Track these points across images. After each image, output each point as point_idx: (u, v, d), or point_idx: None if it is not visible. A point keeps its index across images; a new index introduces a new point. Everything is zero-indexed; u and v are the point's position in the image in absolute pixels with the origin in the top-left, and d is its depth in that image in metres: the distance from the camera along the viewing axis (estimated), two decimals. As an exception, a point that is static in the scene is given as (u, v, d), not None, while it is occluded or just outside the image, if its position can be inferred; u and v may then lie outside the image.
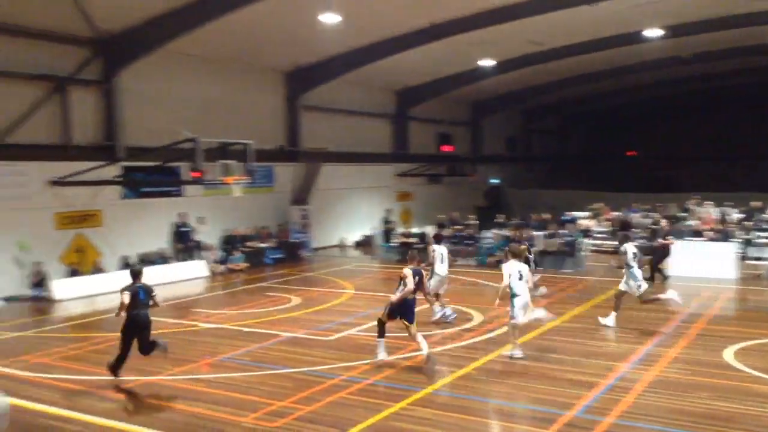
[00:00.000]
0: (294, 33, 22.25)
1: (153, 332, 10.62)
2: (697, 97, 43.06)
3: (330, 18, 18.84)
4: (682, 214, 24.34)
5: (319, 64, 26.08)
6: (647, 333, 12.59)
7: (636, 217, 24.73)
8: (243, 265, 22.76)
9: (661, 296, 13.62)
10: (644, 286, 13.04)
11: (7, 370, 11.21)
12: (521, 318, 11.10)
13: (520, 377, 10.19)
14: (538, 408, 8.82)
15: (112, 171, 19.70)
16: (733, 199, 25.46)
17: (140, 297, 10.38)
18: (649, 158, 48.68)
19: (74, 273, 18.92)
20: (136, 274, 10.72)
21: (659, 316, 14.01)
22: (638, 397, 9.10)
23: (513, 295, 11.06)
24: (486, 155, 39.40)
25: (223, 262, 22.62)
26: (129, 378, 10.49)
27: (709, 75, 35.91)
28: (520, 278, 11.07)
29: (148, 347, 10.38)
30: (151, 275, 19.61)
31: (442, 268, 14.10)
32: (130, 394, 9.77)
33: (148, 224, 21.41)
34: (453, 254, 22.95)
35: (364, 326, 13.69)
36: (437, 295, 13.89)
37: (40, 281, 18.10)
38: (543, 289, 16.67)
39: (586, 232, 24.25)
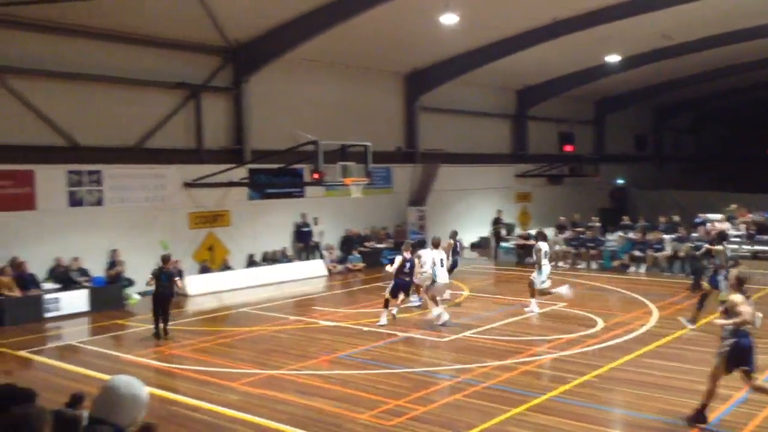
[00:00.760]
0: (413, 35, 22.40)
1: (276, 327, 11.16)
2: None
3: (449, 19, 18.81)
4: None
5: (438, 65, 26.11)
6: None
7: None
8: (360, 265, 23.18)
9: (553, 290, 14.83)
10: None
11: (144, 360, 12.04)
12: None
13: (645, 386, 9.73)
14: (664, 419, 8.39)
15: (240, 173, 20.66)
16: None
17: (162, 279, 13.57)
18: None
19: (204, 270, 20.00)
20: (164, 261, 13.87)
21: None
22: (777, 413, 8.47)
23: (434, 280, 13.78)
24: (610, 154, 37.94)
25: (341, 261, 23.15)
26: (253, 371, 10.97)
27: None
28: (442, 265, 13.96)
29: (166, 318, 13.62)
30: (273, 273, 20.70)
31: (442, 273, 14.15)
32: (253, 386, 10.20)
33: (272, 224, 22.28)
34: (574, 257, 22.52)
35: (480, 329, 13.58)
36: (434, 299, 14.15)
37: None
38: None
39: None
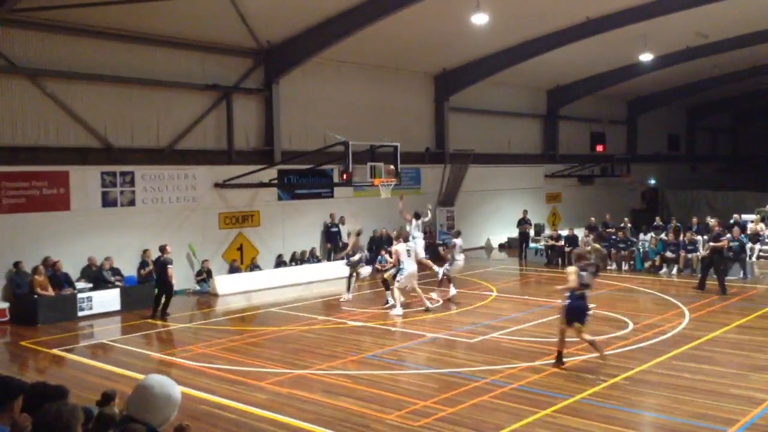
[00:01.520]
0: (443, 36, 22.36)
1: (304, 327, 11.29)
2: None
3: (479, 19, 18.72)
4: None
5: (468, 65, 26.03)
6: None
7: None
8: (389, 265, 23.10)
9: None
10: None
11: (174, 359, 12.20)
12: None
13: (676, 389, 9.57)
14: (696, 423, 8.25)
15: (270, 174, 20.81)
16: None
17: (158, 266, 16.15)
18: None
19: (233, 270, 20.18)
20: (161, 250, 16.03)
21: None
22: (813, 418, 8.28)
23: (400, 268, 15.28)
24: (642, 155, 37.42)
25: (369, 262, 23.12)
26: (281, 371, 11.04)
27: None
28: (409, 256, 15.47)
29: (166, 303, 15.92)
30: (301, 273, 20.81)
31: (409, 263, 15.61)
32: (281, 386, 10.27)
33: (301, 224, 22.41)
34: (604, 258, 22.23)
35: (508, 329, 13.49)
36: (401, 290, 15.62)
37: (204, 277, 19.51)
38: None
39: (756, 237, 22.33)
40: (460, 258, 17.36)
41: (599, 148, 34.42)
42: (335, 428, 8.40)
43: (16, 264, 16.03)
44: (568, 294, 10.66)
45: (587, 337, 10.66)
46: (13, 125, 16.63)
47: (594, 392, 9.52)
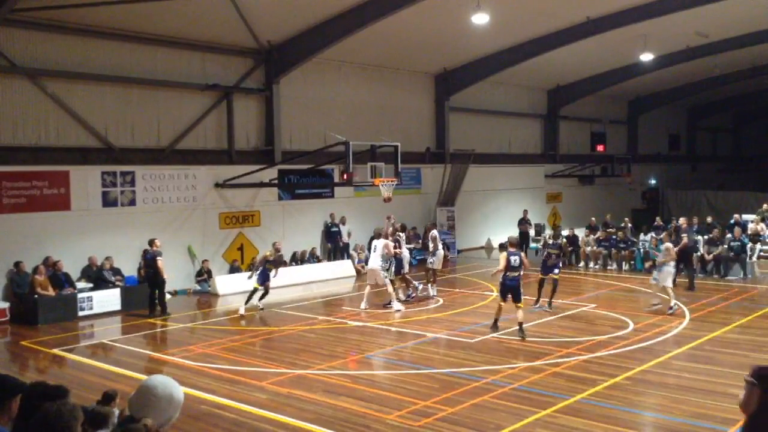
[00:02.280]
0: (444, 36, 22.37)
1: (304, 327, 11.35)
2: None
3: (480, 18, 18.71)
4: None
5: (469, 65, 26.02)
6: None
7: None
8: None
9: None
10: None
11: (174, 358, 12.20)
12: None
13: (677, 389, 9.58)
14: (696, 422, 8.25)
15: (270, 174, 20.80)
16: None
17: (148, 260, 16.32)
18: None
19: (234, 270, 20.18)
20: (149, 243, 16.25)
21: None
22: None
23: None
24: (643, 154, 37.41)
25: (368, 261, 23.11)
26: (281, 371, 11.05)
27: None
28: (374, 251, 15.71)
29: (160, 297, 16.15)
30: (302, 273, 20.80)
31: (371, 259, 16.29)
32: (281, 385, 10.27)
33: (301, 224, 22.40)
34: (606, 258, 22.22)
35: (509, 329, 13.49)
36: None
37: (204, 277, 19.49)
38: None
39: (756, 237, 22.33)
40: (439, 248, 17.36)
41: (600, 148, 34.41)
42: (335, 428, 8.40)
43: (17, 264, 16.03)
44: (501, 274, 12.97)
45: (521, 314, 12.88)
46: (13, 125, 16.64)
47: (594, 392, 9.51)
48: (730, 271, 19.65)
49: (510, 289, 12.97)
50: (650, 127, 38.67)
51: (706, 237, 20.95)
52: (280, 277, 18.81)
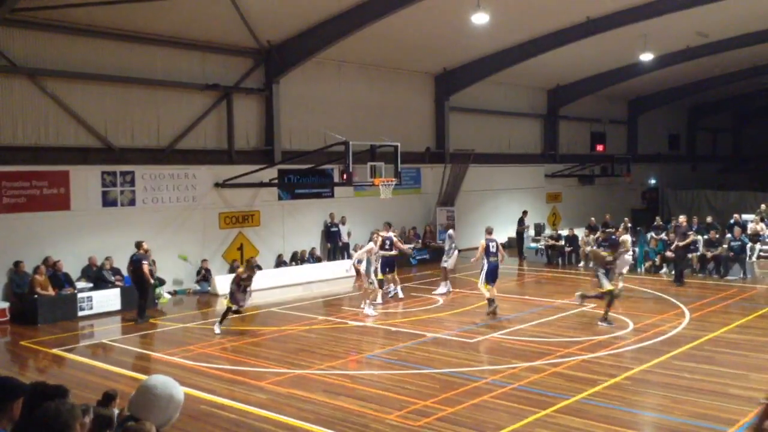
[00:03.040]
0: (443, 35, 22.35)
1: (304, 327, 11.82)
2: None
3: (480, 18, 18.70)
4: None
5: (469, 65, 26.00)
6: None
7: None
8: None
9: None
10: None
11: (174, 358, 12.19)
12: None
13: (676, 389, 9.58)
14: (696, 422, 8.26)
15: (270, 174, 20.80)
16: None
17: (133, 263, 15.72)
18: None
19: (234, 270, 20.16)
20: (136, 246, 15.76)
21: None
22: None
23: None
24: (643, 154, 37.40)
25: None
26: (281, 370, 11.04)
27: None
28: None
29: (141, 305, 15.53)
30: (302, 273, 20.81)
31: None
32: (281, 385, 10.26)
33: (301, 224, 22.39)
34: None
35: (508, 329, 13.49)
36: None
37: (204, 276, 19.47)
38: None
39: (756, 237, 22.31)
40: (453, 251, 17.48)
41: (599, 147, 34.41)
42: (335, 428, 8.40)
43: (16, 264, 16.03)
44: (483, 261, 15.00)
45: (488, 294, 14.92)
46: (13, 125, 16.63)
47: (594, 392, 9.51)
48: (730, 271, 19.65)
49: (494, 269, 15.12)
50: (650, 127, 38.66)
51: (705, 237, 20.95)
52: (276, 278, 18.88)
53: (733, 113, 45.56)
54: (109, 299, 16.60)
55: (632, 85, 32.27)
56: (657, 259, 21.05)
